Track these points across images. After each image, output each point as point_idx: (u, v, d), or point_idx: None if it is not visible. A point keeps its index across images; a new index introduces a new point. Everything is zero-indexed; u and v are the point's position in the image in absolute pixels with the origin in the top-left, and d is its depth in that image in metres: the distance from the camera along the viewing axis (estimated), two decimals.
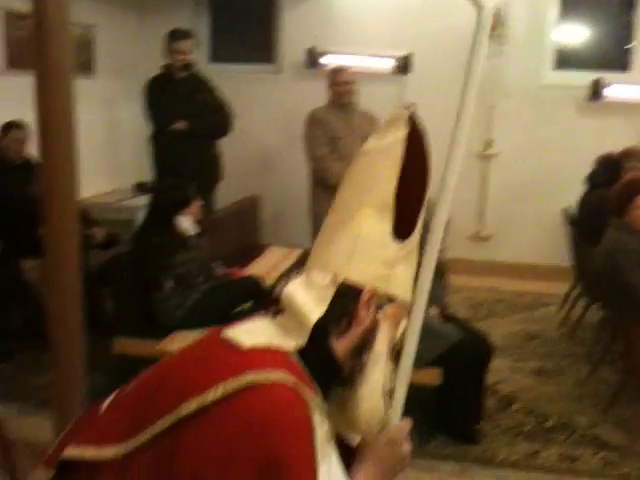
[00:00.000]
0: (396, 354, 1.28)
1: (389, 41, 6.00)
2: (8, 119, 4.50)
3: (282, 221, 6.37)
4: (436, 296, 3.43)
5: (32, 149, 4.48)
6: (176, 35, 4.82)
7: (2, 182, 4.42)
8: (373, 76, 5.92)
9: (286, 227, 6.28)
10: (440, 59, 5.96)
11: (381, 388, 1.22)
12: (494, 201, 6.27)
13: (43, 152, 2.50)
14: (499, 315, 5.22)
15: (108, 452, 1.13)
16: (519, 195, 6.19)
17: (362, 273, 1.22)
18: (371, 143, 1.32)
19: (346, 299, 1.21)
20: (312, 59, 6.14)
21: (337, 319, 1.21)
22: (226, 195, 5.60)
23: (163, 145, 4.86)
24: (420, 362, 3.18)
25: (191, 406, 1.07)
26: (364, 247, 1.23)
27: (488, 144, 6.19)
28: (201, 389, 1.08)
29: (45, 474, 1.22)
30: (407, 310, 1.29)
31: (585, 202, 4.78)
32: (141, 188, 6.07)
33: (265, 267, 4.57)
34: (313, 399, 1.15)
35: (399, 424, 1.31)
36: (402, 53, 6.00)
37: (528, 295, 5.71)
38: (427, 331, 3.23)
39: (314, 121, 4.44)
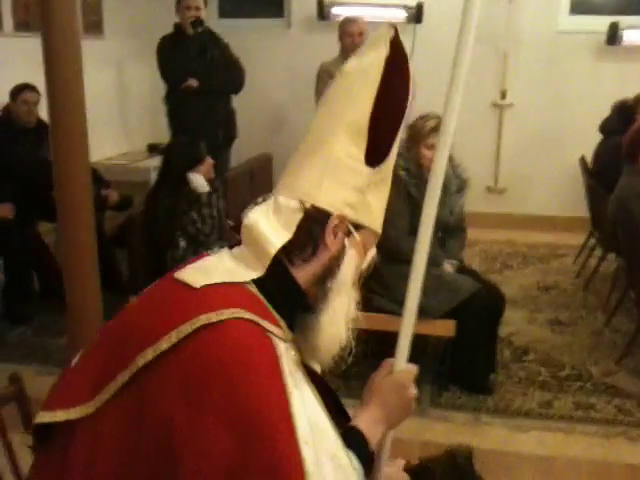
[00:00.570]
0: (363, 283, 1.27)
1: None
2: (17, 82, 4.49)
3: None
4: (452, 252, 3.44)
5: (43, 112, 4.50)
6: None
7: (14, 146, 4.44)
8: (384, 26, 5.82)
9: None
10: (451, 7, 5.84)
11: (344, 316, 1.20)
12: (509, 153, 6.21)
13: (53, 114, 2.51)
14: (514, 267, 5.22)
15: (78, 412, 1.11)
16: (535, 146, 6.12)
17: (331, 198, 1.18)
18: (351, 63, 1.27)
19: (313, 224, 1.17)
20: (322, 11, 6.05)
21: (302, 245, 1.18)
22: (238, 153, 5.59)
23: (177, 104, 4.85)
24: (435, 313, 3.24)
25: (147, 356, 1.05)
26: (335, 172, 1.18)
27: (502, 94, 6.10)
28: (155, 337, 1.05)
29: (27, 440, 1.23)
30: (375, 239, 1.26)
31: (599, 150, 4.73)
32: (154, 149, 6.07)
33: None
34: (274, 329, 1.13)
35: (405, 368, 1.32)
36: (413, 2, 5.89)
37: (543, 247, 5.69)
38: (442, 283, 3.28)
39: (324, 74, 4.39)
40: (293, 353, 1.17)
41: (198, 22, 4.73)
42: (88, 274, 2.64)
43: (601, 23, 5.80)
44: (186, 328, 1.04)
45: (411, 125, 3.32)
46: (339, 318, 1.19)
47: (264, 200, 1.22)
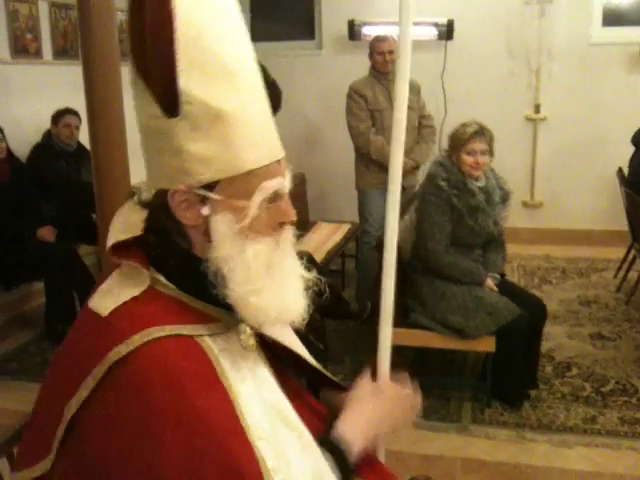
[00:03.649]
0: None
1: (430, 8, 5.91)
2: (57, 108, 4.62)
3: (328, 197, 6.38)
4: (495, 265, 3.41)
5: (83, 137, 4.60)
6: None
7: (56, 169, 4.55)
8: (415, 44, 5.82)
9: (333, 203, 6.29)
10: (482, 24, 5.86)
11: (251, 283, 1.02)
12: (544, 167, 6.16)
13: (93, 139, 2.56)
14: (553, 282, 5.15)
15: (40, 469, 1.04)
16: (570, 159, 6.06)
17: (159, 176, 1.03)
18: None
19: (159, 213, 1.03)
20: (353, 31, 6.10)
21: (165, 235, 1.04)
22: None
23: None
24: (473, 335, 3.20)
25: (72, 407, 0.98)
26: (148, 143, 1.04)
27: (536, 108, 6.06)
28: (76, 386, 0.98)
29: None
30: (250, 179, 1.01)
31: (634, 162, 4.66)
32: None
33: (315, 242, 4.61)
34: (199, 327, 1.03)
35: (385, 376, 1.30)
36: (443, 20, 5.91)
37: (582, 261, 5.62)
38: (481, 305, 3.24)
39: (354, 94, 4.41)
40: (242, 337, 1.07)
41: None
42: None
43: (634, 34, 5.75)
44: (99, 370, 0.96)
45: (452, 133, 3.33)
46: (245, 291, 1.02)
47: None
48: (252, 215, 1.01)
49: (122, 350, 0.95)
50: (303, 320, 1.10)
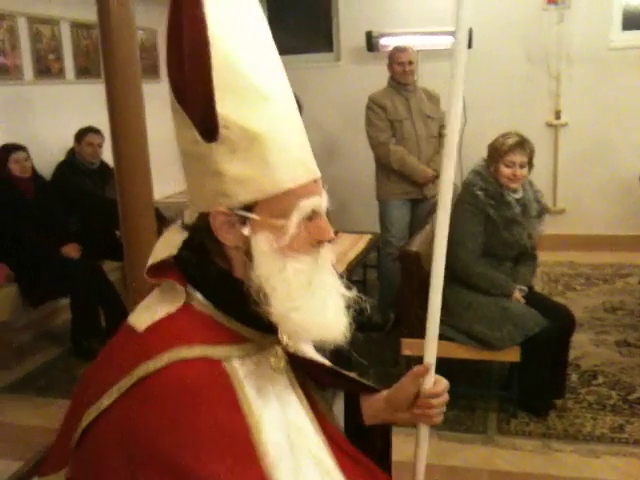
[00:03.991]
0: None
1: (448, 17, 5.92)
2: (79, 126, 4.69)
3: (349, 208, 6.39)
4: (524, 278, 3.38)
5: (106, 154, 4.67)
6: None
7: (80, 186, 4.62)
8: (433, 53, 5.86)
9: (353, 213, 6.29)
10: (500, 32, 5.86)
11: (292, 303, 1.04)
12: (566, 173, 6.12)
13: (117, 156, 2.60)
14: (578, 289, 5.11)
15: (62, 475, 1.08)
16: (592, 165, 6.02)
17: (200, 198, 1.05)
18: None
19: (201, 234, 1.06)
20: (371, 42, 6.12)
21: (208, 257, 1.07)
22: None
23: None
24: (498, 346, 3.18)
25: (91, 415, 1.00)
26: (190, 167, 1.06)
27: (556, 114, 6.03)
28: (100, 394, 1.00)
29: None
30: (287, 197, 1.03)
31: None
32: None
33: (337, 253, 4.62)
34: (230, 349, 1.05)
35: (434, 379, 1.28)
36: None
37: (607, 267, 5.56)
38: (508, 316, 3.21)
39: (373, 105, 4.43)
40: (272, 359, 1.09)
41: None
42: None
43: None
44: (125, 382, 0.98)
45: (491, 143, 3.28)
46: (287, 308, 1.03)
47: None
48: (291, 234, 1.03)
49: (150, 366, 0.98)
50: (345, 338, 1.10)
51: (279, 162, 1.02)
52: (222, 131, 0.99)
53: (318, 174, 1.10)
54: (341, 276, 1.13)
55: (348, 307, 1.12)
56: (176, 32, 1.01)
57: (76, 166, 4.68)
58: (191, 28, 0.99)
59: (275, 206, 1.03)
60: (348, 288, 1.14)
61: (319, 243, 1.08)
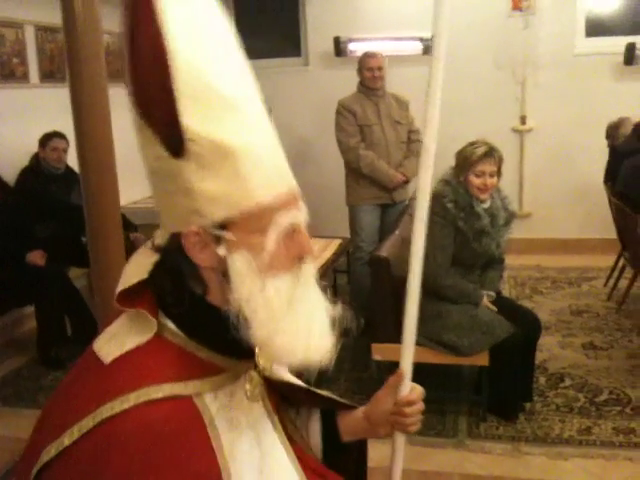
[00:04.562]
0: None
1: (415, 23, 5.96)
2: (44, 131, 4.61)
3: (319, 212, 6.34)
4: (492, 283, 3.39)
5: (71, 160, 4.60)
6: None
7: (45, 192, 4.54)
8: (401, 59, 5.90)
9: (323, 218, 6.27)
10: (467, 37, 5.91)
11: (274, 322, 0.98)
12: (531, 177, 6.21)
13: (83, 161, 2.56)
14: (544, 292, 5.17)
15: None
16: (557, 169, 6.11)
17: (171, 218, 0.99)
18: None
19: (173, 256, 0.99)
20: (339, 47, 6.14)
21: (178, 279, 1.00)
22: None
23: None
24: (467, 353, 3.19)
25: (50, 452, 0.94)
26: (159, 185, 1.00)
27: (522, 119, 6.11)
28: (60, 431, 0.94)
29: None
30: (263, 213, 0.97)
31: (623, 171, 4.70)
32: None
33: None
34: (202, 383, 1.00)
35: (409, 387, 1.28)
36: (428, 34, 5.95)
37: (572, 270, 5.64)
38: (476, 324, 3.23)
39: (343, 110, 4.44)
40: (248, 386, 1.06)
41: None
42: None
43: (617, 44, 5.82)
44: (87, 423, 0.92)
45: (459, 152, 3.26)
46: (270, 332, 0.98)
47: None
48: (269, 251, 0.97)
49: (115, 407, 0.92)
50: (331, 358, 1.05)
51: (252, 176, 0.96)
52: (189, 145, 0.93)
53: (294, 186, 1.04)
54: (325, 291, 1.08)
55: (333, 324, 1.07)
56: (133, 42, 0.94)
57: (40, 171, 4.60)
58: (147, 37, 0.92)
59: (251, 223, 0.96)
60: (333, 303, 1.08)
61: (300, 259, 1.02)
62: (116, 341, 1.00)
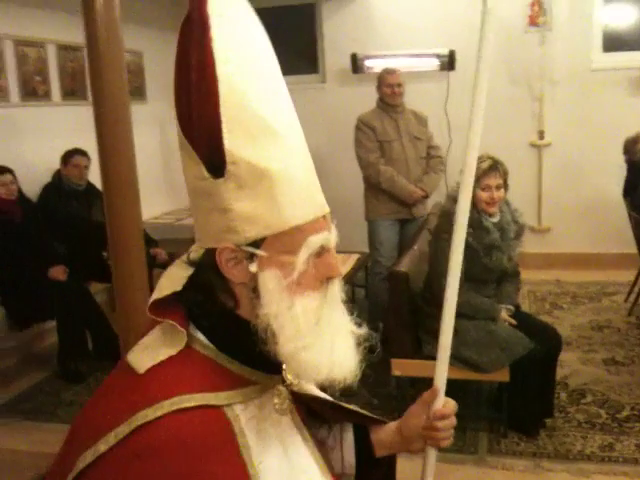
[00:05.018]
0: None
1: (431, 40, 5.99)
2: (65, 148, 4.68)
3: (337, 228, 6.39)
4: (509, 296, 3.38)
5: (92, 176, 4.66)
6: None
7: (67, 208, 4.60)
8: (418, 75, 5.92)
9: (340, 233, 6.29)
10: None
11: (300, 340, 1.01)
12: (550, 192, 6.18)
13: (105, 178, 2.59)
14: (564, 308, 5.14)
15: None
16: (576, 184, 6.09)
17: (207, 234, 1.04)
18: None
19: (207, 271, 1.03)
20: (356, 64, 6.18)
21: (210, 293, 1.04)
22: None
23: None
24: (486, 370, 3.16)
25: (87, 459, 0.96)
26: (195, 203, 1.04)
27: (540, 134, 6.10)
28: (96, 438, 0.96)
29: None
30: (297, 233, 1.02)
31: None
32: None
33: None
34: (233, 394, 1.03)
35: (443, 401, 1.29)
36: (445, 51, 5.98)
37: (592, 285, 5.61)
38: (495, 340, 3.20)
39: (363, 126, 4.46)
40: (276, 400, 1.08)
41: None
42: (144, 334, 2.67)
43: (634, 59, 5.82)
44: (123, 429, 0.95)
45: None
46: (295, 347, 1.01)
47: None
48: (299, 270, 1.01)
49: (149, 414, 0.95)
50: (356, 377, 1.08)
51: (287, 198, 1.00)
52: (230, 167, 0.97)
53: (327, 209, 1.09)
54: (351, 312, 1.11)
55: (358, 344, 1.09)
56: (184, 65, 0.99)
57: (62, 188, 4.66)
58: (199, 62, 0.97)
59: (283, 242, 1.01)
60: (358, 325, 1.11)
61: (328, 279, 1.06)
62: (149, 352, 1.03)
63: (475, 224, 3.17)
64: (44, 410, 3.84)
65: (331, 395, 1.26)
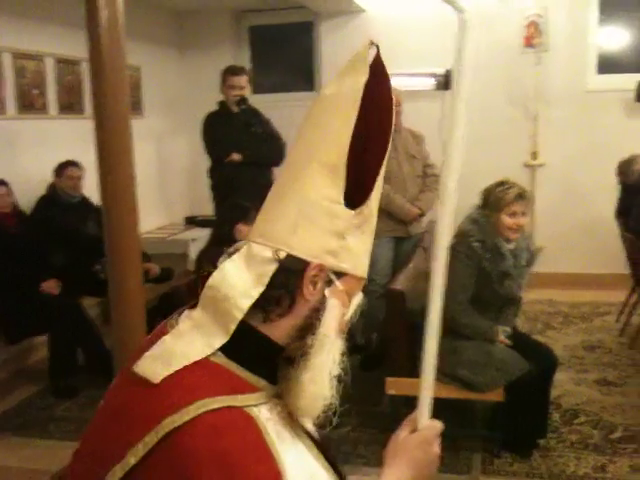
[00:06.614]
0: (349, 335, 1.18)
1: (427, 59, 6.04)
2: (60, 161, 4.67)
3: None
4: (507, 319, 3.37)
5: (86, 190, 4.66)
6: (232, 71, 4.95)
7: (60, 220, 4.58)
8: (413, 94, 5.96)
9: None
10: (479, 73, 5.97)
11: (327, 373, 1.08)
12: (544, 212, 6.21)
13: (104, 192, 2.58)
14: (557, 327, 5.15)
15: None
16: (569, 205, 6.13)
17: (308, 245, 1.07)
18: (329, 88, 1.17)
19: (289, 276, 1.07)
20: None
21: (277, 299, 1.07)
22: None
23: (222, 176, 4.96)
24: (481, 390, 3.16)
25: (116, 474, 0.97)
26: (311, 215, 1.08)
27: (534, 155, 6.14)
28: (122, 452, 0.96)
29: None
30: (361, 284, 1.16)
31: (635, 208, 4.72)
32: (191, 222, 6.19)
33: None
34: (251, 397, 1.06)
35: (430, 424, 1.24)
36: (441, 70, 6.03)
37: (584, 305, 5.63)
38: (491, 361, 3.20)
39: None
40: (280, 409, 1.11)
41: (242, 100, 4.90)
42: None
43: (629, 81, 5.87)
44: (152, 438, 0.95)
45: (490, 193, 3.23)
46: (322, 376, 1.08)
47: (237, 250, 1.11)
48: (350, 314, 1.15)
49: (177, 420, 0.95)
50: (329, 409, 1.12)
51: (368, 251, 1.15)
52: (364, 207, 1.11)
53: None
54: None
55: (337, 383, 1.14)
56: (365, 110, 1.12)
57: (57, 200, 4.65)
58: (378, 107, 1.15)
59: (350, 286, 1.13)
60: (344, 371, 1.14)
61: (342, 333, 1.15)
62: (162, 362, 1.04)
63: (494, 249, 3.16)
64: (35, 425, 3.79)
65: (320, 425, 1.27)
